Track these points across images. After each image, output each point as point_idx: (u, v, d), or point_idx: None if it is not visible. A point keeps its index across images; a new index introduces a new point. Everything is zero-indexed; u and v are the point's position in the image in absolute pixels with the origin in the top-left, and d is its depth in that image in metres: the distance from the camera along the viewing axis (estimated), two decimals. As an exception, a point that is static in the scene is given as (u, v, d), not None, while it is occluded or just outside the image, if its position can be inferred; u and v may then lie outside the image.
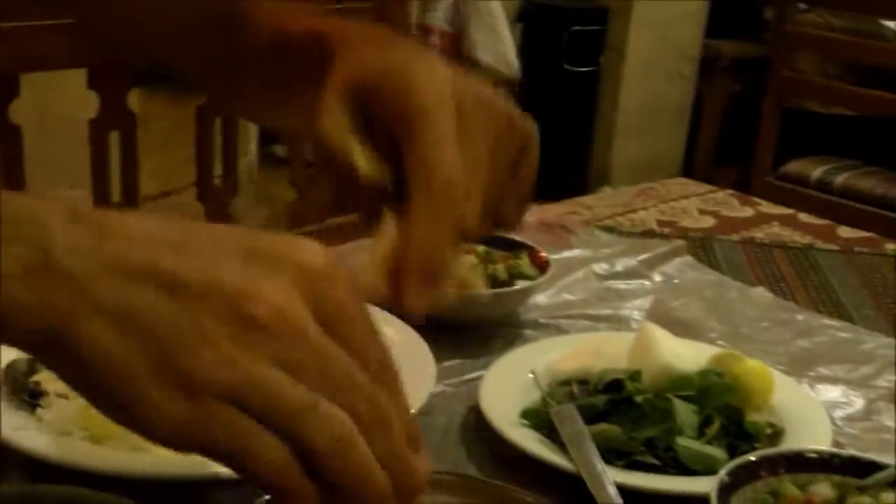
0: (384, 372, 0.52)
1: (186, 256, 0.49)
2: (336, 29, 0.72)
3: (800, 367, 1.09)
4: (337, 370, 0.50)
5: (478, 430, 0.92)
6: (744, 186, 2.47)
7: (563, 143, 3.93)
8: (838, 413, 1.01)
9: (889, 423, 1.00)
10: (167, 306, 0.48)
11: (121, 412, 0.48)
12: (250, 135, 3.07)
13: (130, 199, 1.71)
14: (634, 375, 0.92)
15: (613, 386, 0.92)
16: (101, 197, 1.67)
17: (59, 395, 0.82)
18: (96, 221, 0.49)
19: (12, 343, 0.47)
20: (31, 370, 0.86)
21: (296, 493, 0.49)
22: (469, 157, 0.64)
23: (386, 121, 0.65)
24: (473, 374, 1.00)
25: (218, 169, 1.83)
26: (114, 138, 1.67)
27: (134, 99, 1.71)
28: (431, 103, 0.64)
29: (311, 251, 0.51)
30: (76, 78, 1.66)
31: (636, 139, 4.15)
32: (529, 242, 1.19)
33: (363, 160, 0.65)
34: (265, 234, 0.52)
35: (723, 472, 0.79)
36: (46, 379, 0.84)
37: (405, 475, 0.52)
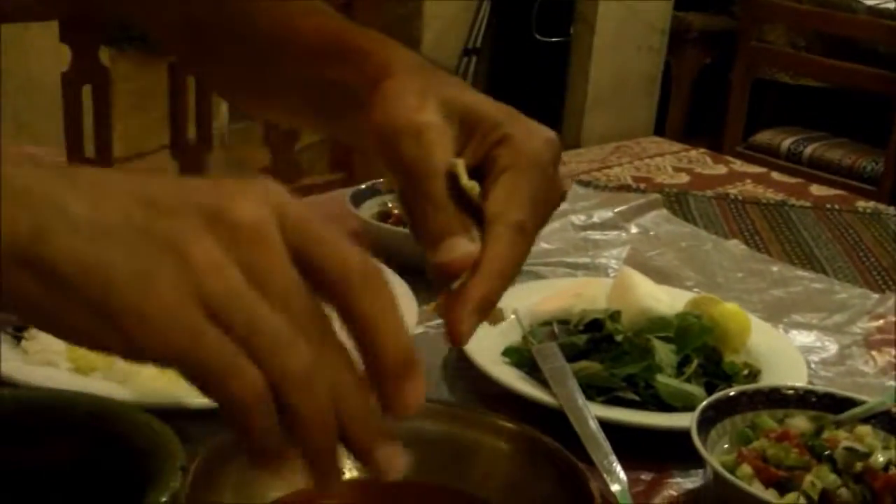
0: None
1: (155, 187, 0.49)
2: (380, 48, 0.72)
3: (774, 314, 1.10)
4: (300, 302, 0.49)
5: (460, 368, 0.93)
6: (715, 155, 2.48)
7: (533, 114, 3.89)
8: (813, 357, 1.02)
9: (862, 367, 1.02)
10: (144, 216, 0.47)
11: (104, 330, 0.46)
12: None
13: (104, 156, 1.70)
14: (614, 315, 0.93)
15: (593, 325, 0.93)
16: (74, 153, 1.66)
17: (44, 328, 0.82)
18: (52, 165, 0.48)
19: None
20: (14, 305, 0.86)
21: (265, 427, 0.48)
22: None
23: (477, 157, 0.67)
24: (454, 318, 1.00)
25: (192, 130, 1.83)
26: (86, 97, 1.66)
27: (103, 58, 1.70)
28: (525, 161, 0.67)
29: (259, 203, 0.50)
30: (44, 31, 1.64)
31: (607, 111, 4.16)
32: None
33: (465, 175, 0.65)
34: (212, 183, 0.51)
35: (703, 405, 0.81)
36: (30, 312, 0.84)
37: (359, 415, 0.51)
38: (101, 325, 0.46)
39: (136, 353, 0.46)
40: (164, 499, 0.43)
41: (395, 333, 0.51)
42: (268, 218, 0.50)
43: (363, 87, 0.69)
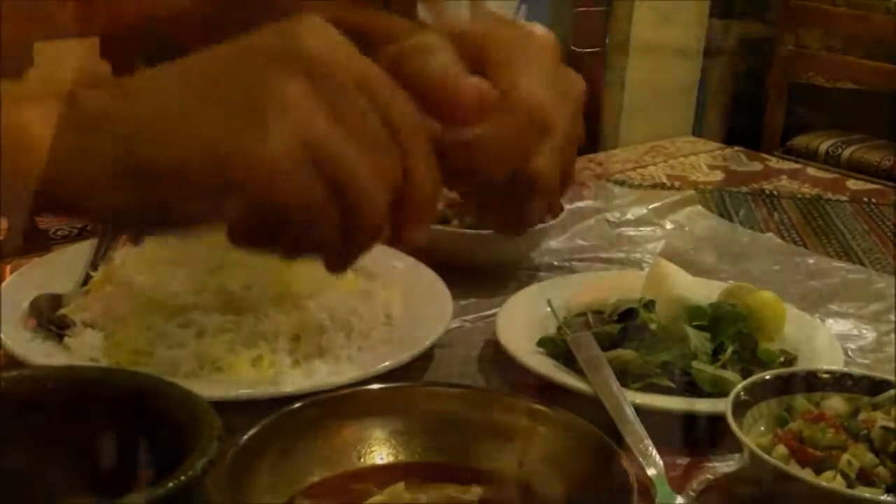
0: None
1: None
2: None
3: (811, 304, 1.10)
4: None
5: (496, 360, 0.93)
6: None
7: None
8: (850, 345, 1.02)
9: (902, 354, 1.01)
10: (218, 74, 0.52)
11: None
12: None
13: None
14: (648, 304, 0.93)
15: (628, 314, 0.93)
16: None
17: (86, 325, 0.84)
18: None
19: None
20: (56, 305, 0.87)
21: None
22: None
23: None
24: (489, 312, 1.01)
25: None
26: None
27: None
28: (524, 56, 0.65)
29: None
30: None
31: (644, 120, 4.15)
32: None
33: None
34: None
35: (738, 388, 0.81)
36: (73, 311, 0.86)
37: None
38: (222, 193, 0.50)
39: (259, 215, 0.51)
40: (200, 465, 0.43)
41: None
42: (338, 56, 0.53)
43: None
